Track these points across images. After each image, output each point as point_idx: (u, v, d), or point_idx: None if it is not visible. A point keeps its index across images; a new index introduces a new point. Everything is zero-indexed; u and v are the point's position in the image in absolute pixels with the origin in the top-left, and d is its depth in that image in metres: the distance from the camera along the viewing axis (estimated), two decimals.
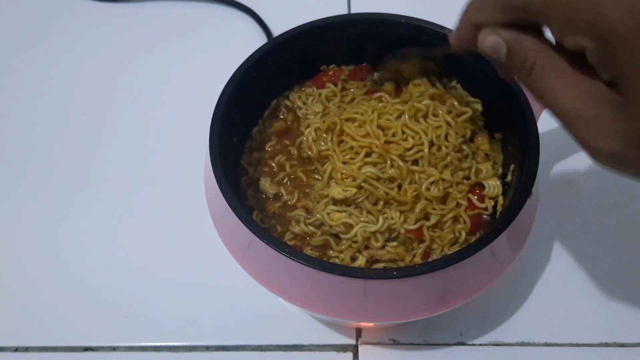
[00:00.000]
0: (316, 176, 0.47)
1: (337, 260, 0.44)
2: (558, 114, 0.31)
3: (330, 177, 0.45)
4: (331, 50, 0.52)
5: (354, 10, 0.70)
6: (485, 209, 0.46)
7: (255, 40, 0.67)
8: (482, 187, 0.47)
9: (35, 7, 0.73)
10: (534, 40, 0.32)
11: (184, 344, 0.48)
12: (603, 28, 0.28)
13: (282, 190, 0.47)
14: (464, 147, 0.47)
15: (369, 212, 0.44)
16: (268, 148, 0.50)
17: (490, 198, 0.46)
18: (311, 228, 0.45)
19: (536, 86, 0.32)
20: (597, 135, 0.30)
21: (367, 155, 0.45)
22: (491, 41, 0.34)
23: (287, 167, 0.48)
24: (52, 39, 0.70)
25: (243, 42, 0.67)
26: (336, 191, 0.44)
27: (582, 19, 0.28)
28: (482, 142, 0.48)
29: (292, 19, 0.50)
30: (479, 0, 0.34)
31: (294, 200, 0.47)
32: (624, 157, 0.30)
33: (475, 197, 0.46)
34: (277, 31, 0.67)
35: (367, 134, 0.46)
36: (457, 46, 0.38)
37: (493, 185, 0.46)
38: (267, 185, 0.48)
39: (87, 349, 0.49)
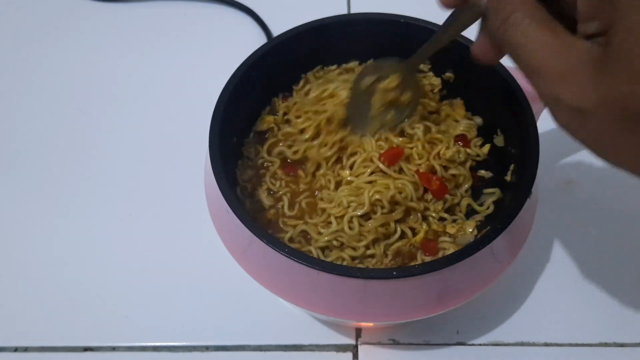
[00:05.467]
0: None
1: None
2: (530, 66, 0.30)
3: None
4: (331, 50, 0.52)
5: (354, 10, 0.70)
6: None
7: (255, 40, 0.67)
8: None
9: (35, 7, 0.73)
10: None
11: (184, 344, 0.48)
12: None
13: (279, 204, 0.48)
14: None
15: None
16: (260, 164, 0.50)
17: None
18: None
19: (512, 37, 0.30)
20: (569, 88, 0.28)
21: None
22: None
23: (283, 183, 0.48)
24: (52, 38, 0.70)
25: (243, 42, 0.67)
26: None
27: None
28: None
29: (292, 19, 0.50)
30: None
31: (286, 208, 0.47)
32: (589, 117, 0.28)
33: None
34: (277, 31, 0.67)
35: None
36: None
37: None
38: (263, 197, 0.48)
39: (86, 349, 0.49)
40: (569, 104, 0.29)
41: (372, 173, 0.46)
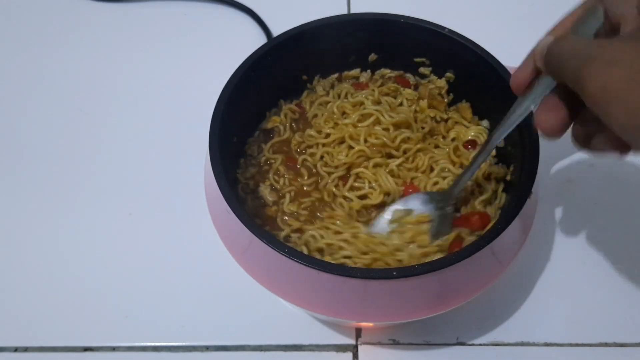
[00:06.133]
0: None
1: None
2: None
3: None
4: (331, 50, 0.52)
5: (354, 10, 0.70)
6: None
7: (255, 40, 0.67)
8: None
9: (35, 7, 0.73)
10: None
11: (184, 344, 0.48)
12: None
13: (281, 201, 0.48)
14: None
15: None
16: (263, 161, 0.50)
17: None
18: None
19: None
20: None
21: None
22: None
23: (286, 181, 0.49)
24: (52, 39, 0.70)
25: (243, 42, 0.67)
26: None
27: None
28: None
29: (292, 19, 0.50)
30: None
31: (286, 205, 0.47)
32: None
33: None
34: (277, 31, 0.67)
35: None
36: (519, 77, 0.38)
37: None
38: (266, 193, 0.48)
39: (86, 349, 0.48)
40: (602, 57, 0.29)
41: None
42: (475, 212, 0.46)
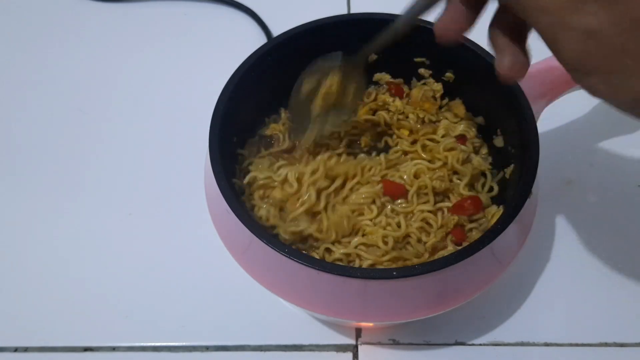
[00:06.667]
0: None
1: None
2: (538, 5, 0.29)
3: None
4: (331, 50, 0.51)
5: (354, 10, 0.70)
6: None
7: (255, 40, 0.67)
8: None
9: (35, 7, 0.73)
10: None
11: (184, 344, 0.48)
12: None
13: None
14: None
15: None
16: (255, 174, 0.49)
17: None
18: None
19: None
20: (577, 12, 0.28)
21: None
22: None
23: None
24: (52, 38, 0.70)
25: (243, 42, 0.67)
26: None
27: None
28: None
29: (292, 19, 0.50)
30: None
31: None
32: (599, 37, 0.28)
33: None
34: (277, 31, 0.67)
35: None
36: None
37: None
38: (257, 196, 0.47)
39: (86, 349, 0.49)
40: (579, 27, 0.28)
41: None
42: (466, 197, 0.46)
